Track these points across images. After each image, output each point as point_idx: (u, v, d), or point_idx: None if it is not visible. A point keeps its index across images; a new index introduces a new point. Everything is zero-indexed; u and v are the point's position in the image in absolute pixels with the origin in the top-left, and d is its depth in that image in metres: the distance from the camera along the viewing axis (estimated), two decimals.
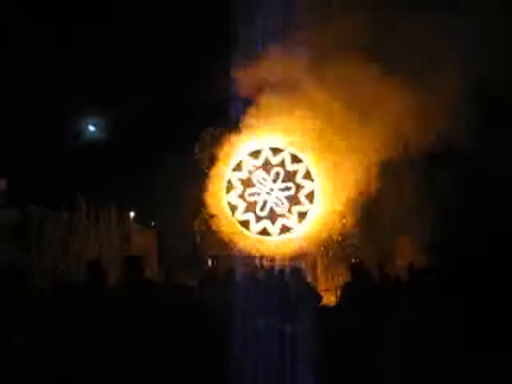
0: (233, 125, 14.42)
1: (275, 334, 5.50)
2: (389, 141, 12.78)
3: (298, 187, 14.57)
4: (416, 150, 12.73)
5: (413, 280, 6.53)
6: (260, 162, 14.82)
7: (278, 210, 14.53)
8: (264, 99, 13.92)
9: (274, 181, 14.68)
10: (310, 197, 14.52)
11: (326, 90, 13.09)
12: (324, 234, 14.37)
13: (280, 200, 14.51)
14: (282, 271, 7.90)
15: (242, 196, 14.67)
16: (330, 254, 14.60)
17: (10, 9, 15.21)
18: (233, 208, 14.61)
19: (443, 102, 11.52)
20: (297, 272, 7.48)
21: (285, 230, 14.43)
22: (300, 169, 14.64)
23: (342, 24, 12.38)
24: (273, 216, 14.50)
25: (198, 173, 14.67)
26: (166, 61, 16.48)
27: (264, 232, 14.46)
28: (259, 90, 13.87)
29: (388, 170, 13.14)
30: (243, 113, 14.21)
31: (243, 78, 13.43)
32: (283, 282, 7.20)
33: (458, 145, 11.69)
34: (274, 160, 14.79)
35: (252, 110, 14.14)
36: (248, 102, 14.09)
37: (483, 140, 11.64)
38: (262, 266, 13.46)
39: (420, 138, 12.22)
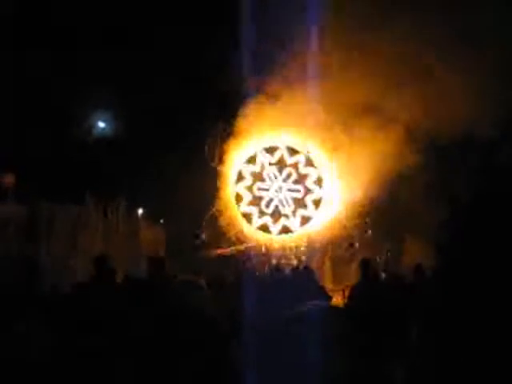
0: (245, 120, 14.36)
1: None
2: (408, 140, 12.59)
3: (307, 191, 14.50)
4: (433, 145, 12.54)
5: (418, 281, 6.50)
6: (274, 159, 14.75)
7: (282, 209, 14.49)
8: (280, 97, 13.83)
9: (285, 180, 14.64)
10: (317, 203, 14.45)
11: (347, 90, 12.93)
12: (332, 235, 14.34)
13: (286, 201, 14.46)
14: (293, 271, 7.89)
15: (249, 188, 14.61)
16: (338, 254, 14.55)
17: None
18: (238, 199, 14.55)
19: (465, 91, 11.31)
20: (308, 272, 7.46)
21: (285, 230, 14.39)
22: (312, 173, 14.57)
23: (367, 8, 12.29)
24: (276, 214, 14.45)
25: (207, 169, 14.65)
26: (176, 58, 16.45)
27: (264, 228, 14.41)
28: (276, 86, 13.79)
29: (401, 172, 12.96)
30: (258, 109, 14.13)
31: (259, 74, 13.40)
32: (294, 282, 7.17)
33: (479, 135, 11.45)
34: (289, 160, 14.73)
35: (267, 106, 14.04)
36: (262, 98, 14.01)
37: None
38: (271, 265, 13.44)
39: (441, 132, 11.99)
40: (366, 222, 14.22)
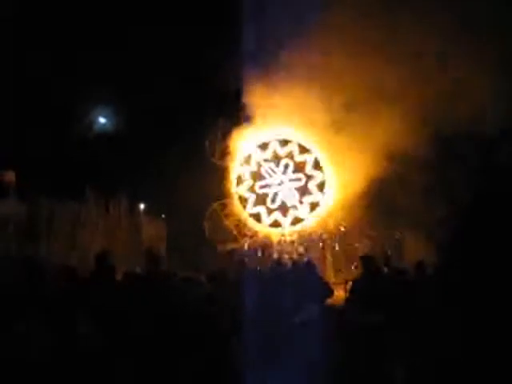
0: (241, 117, 14.35)
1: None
2: (407, 127, 12.49)
3: (308, 178, 14.49)
4: (433, 140, 12.45)
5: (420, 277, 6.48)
6: (268, 154, 14.76)
7: (288, 201, 14.48)
8: (274, 90, 13.78)
9: (284, 172, 14.62)
10: (321, 187, 14.44)
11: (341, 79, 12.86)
12: (334, 225, 14.33)
13: (291, 191, 14.45)
14: (295, 265, 7.86)
15: (252, 189, 14.63)
16: (340, 247, 14.53)
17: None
18: (243, 201, 14.57)
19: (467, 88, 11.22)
20: (310, 266, 7.43)
21: (296, 221, 14.39)
22: (309, 159, 14.57)
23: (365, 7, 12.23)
24: (284, 208, 14.45)
25: (208, 165, 14.64)
26: (177, 55, 16.39)
27: (275, 224, 14.41)
28: (269, 80, 13.73)
29: (401, 160, 12.88)
30: (252, 104, 14.10)
31: (254, 70, 13.35)
32: (297, 276, 7.13)
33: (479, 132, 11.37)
34: (282, 151, 14.75)
35: (260, 101, 14.01)
36: (256, 93, 13.96)
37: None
38: (273, 259, 13.39)
39: (441, 126, 11.90)
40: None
